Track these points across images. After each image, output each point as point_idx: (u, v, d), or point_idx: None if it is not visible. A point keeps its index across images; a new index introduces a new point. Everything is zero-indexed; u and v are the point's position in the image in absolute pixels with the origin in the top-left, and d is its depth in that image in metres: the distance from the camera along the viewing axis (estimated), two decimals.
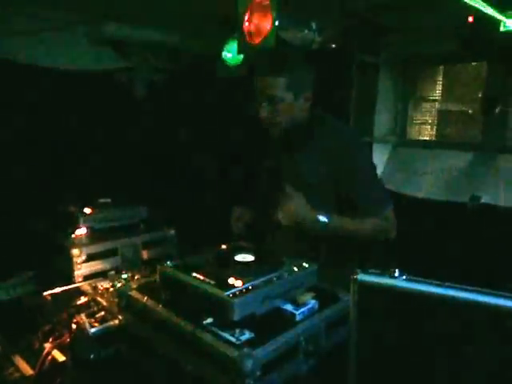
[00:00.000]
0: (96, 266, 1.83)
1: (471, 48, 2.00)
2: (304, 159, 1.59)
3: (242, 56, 2.69)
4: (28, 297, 1.68)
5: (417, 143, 2.88)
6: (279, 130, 1.57)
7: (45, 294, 1.63)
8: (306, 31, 2.22)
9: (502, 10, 1.80)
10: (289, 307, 1.17)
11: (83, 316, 1.39)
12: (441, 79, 3.21)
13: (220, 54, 2.83)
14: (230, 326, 1.07)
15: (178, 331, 1.10)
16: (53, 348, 1.37)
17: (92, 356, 1.36)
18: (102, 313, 1.49)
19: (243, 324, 1.07)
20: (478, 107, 3.13)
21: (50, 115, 2.90)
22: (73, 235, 1.85)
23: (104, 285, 1.70)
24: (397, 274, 0.86)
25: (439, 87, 3.22)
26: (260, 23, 2.18)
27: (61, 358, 1.36)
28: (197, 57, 3.25)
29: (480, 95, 3.17)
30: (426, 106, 3.20)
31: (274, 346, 1.02)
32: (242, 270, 1.22)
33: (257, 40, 2.23)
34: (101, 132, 3.24)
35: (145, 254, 2.02)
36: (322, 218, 1.47)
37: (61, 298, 1.63)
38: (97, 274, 1.83)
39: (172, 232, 2.10)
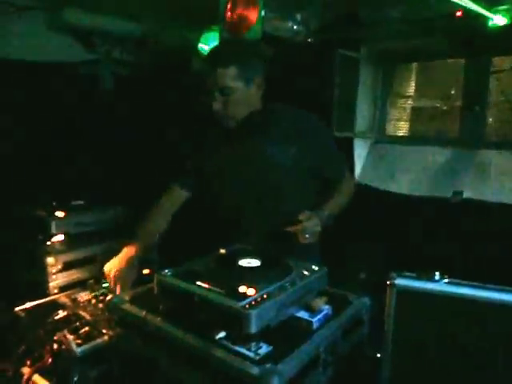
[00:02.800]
0: (73, 275, 1.66)
1: (457, 43, 2.00)
2: (270, 145, 1.58)
3: None
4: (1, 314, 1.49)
5: (396, 139, 2.89)
6: (235, 121, 1.55)
7: (16, 309, 1.45)
8: (291, 23, 2.15)
9: (489, 6, 1.80)
10: (304, 315, 1.09)
11: (67, 333, 1.24)
12: (414, 76, 3.26)
13: (195, 46, 2.70)
14: (245, 340, 0.97)
15: (185, 348, 0.99)
16: (33, 373, 1.21)
17: (77, 378, 1.21)
18: (86, 328, 1.34)
19: (257, 336, 0.98)
20: (451, 104, 3.20)
21: (6, 110, 2.65)
22: (48, 242, 1.66)
23: (84, 296, 1.54)
24: (437, 278, 0.80)
25: (413, 84, 3.27)
26: (244, 13, 2.09)
27: None
28: (168, 49, 3.09)
29: (453, 92, 3.25)
30: (401, 102, 3.23)
31: (296, 360, 0.94)
32: (251, 277, 1.12)
33: (240, 31, 2.13)
34: (64, 128, 3.02)
35: None
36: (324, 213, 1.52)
37: (35, 313, 1.46)
38: (74, 284, 1.66)
39: None
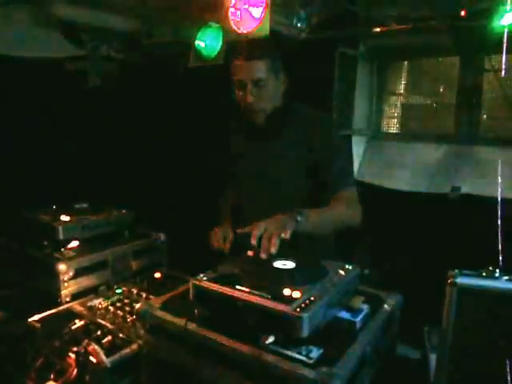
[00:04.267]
0: (85, 281, 1.59)
1: (459, 42, 2.04)
2: (281, 143, 1.59)
3: (219, 45, 2.52)
4: (9, 325, 1.40)
5: (391, 136, 2.93)
6: (264, 115, 1.54)
7: (30, 320, 1.37)
8: (295, 20, 2.13)
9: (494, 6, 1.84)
10: (346, 315, 1.08)
11: (94, 344, 1.18)
12: (405, 74, 3.32)
13: (190, 43, 2.64)
14: (295, 344, 0.95)
15: (232, 355, 0.96)
16: None
17: None
18: (109, 337, 1.29)
19: (307, 339, 0.96)
20: (441, 101, 3.28)
21: None
22: (62, 249, 1.58)
23: (100, 303, 1.48)
24: (497, 275, 0.81)
25: (403, 82, 3.32)
26: (248, 11, 2.05)
27: None
28: (161, 46, 3.01)
29: (441, 90, 3.33)
30: (393, 99, 3.28)
31: (349, 361, 0.93)
32: (290, 279, 1.10)
33: (243, 29, 2.10)
34: (52, 127, 2.89)
35: (134, 265, 1.81)
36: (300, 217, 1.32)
37: (50, 323, 1.38)
38: (85, 291, 1.59)
39: (162, 238, 1.90)
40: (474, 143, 2.49)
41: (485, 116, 2.54)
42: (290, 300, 0.98)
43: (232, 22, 2.09)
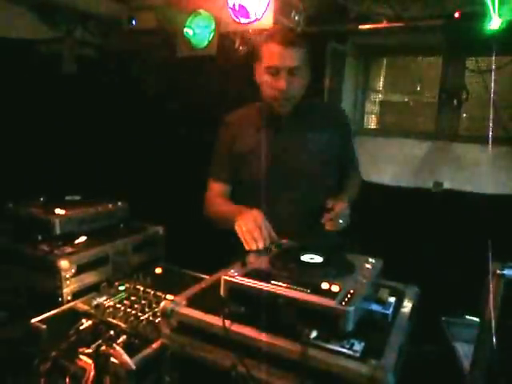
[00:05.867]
0: (86, 279, 1.50)
1: (447, 42, 2.12)
2: (308, 133, 1.64)
3: (210, 34, 2.45)
4: (8, 327, 1.30)
5: (373, 132, 3.00)
6: (291, 104, 1.56)
7: (33, 321, 1.28)
8: (293, 12, 2.11)
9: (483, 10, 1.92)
10: (377, 307, 1.10)
11: (116, 346, 1.12)
12: (383, 71, 3.41)
13: (179, 31, 2.55)
14: (339, 338, 0.95)
15: (275, 352, 0.94)
16: None
17: None
18: (124, 337, 1.23)
19: (351, 333, 0.96)
20: (418, 99, 3.40)
21: None
22: (59, 244, 1.47)
23: (106, 301, 1.41)
24: None
25: (382, 79, 3.41)
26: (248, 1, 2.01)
27: None
28: (145, 32, 2.88)
29: (419, 88, 3.45)
30: (374, 96, 3.36)
31: (393, 353, 0.94)
32: (324, 273, 1.10)
33: (244, 19, 2.05)
34: (24, 113, 2.70)
35: (133, 259, 1.73)
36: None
37: (55, 323, 1.30)
38: (86, 289, 1.51)
39: (161, 231, 1.83)
40: (455, 141, 2.61)
41: (464, 115, 2.67)
42: (330, 294, 0.98)
43: (230, 12, 2.04)
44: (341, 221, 1.46)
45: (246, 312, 1.05)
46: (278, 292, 1.00)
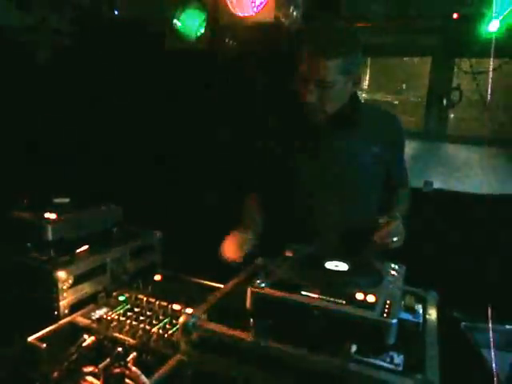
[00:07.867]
0: (83, 289, 1.38)
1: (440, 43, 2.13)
2: (354, 144, 1.47)
3: (200, 27, 2.34)
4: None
5: None
6: (326, 116, 1.40)
7: (30, 338, 1.15)
8: (292, 8, 2.05)
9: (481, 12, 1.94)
10: (407, 316, 1.06)
11: (131, 366, 1.03)
12: (368, 70, 3.42)
13: (168, 22, 2.42)
14: (379, 351, 0.91)
15: (315, 368, 0.89)
16: None
17: None
18: (134, 354, 1.14)
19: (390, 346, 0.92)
20: (402, 98, 3.44)
21: None
22: (51, 251, 1.34)
23: (106, 314, 1.30)
24: None
25: (367, 78, 3.43)
26: None
27: None
28: (128, 22, 2.72)
29: (404, 87, 3.49)
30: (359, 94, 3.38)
31: (433, 364, 0.91)
32: (354, 282, 1.05)
33: (243, 12, 1.97)
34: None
35: (130, 266, 1.62)
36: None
37: (54, 340, 1.18)
38: (83, 300, 1.39)
39: (159, 236, 1.73)
40: (442, 141, 2.65)
41: (452, 115, 2.72)
42: (367, 305, 0.94)
43: (229, 4, 1.96)
44: (395, 239, 1.31)
45: (274, 325, 0.98)
46: (313, 304, 0.94)
